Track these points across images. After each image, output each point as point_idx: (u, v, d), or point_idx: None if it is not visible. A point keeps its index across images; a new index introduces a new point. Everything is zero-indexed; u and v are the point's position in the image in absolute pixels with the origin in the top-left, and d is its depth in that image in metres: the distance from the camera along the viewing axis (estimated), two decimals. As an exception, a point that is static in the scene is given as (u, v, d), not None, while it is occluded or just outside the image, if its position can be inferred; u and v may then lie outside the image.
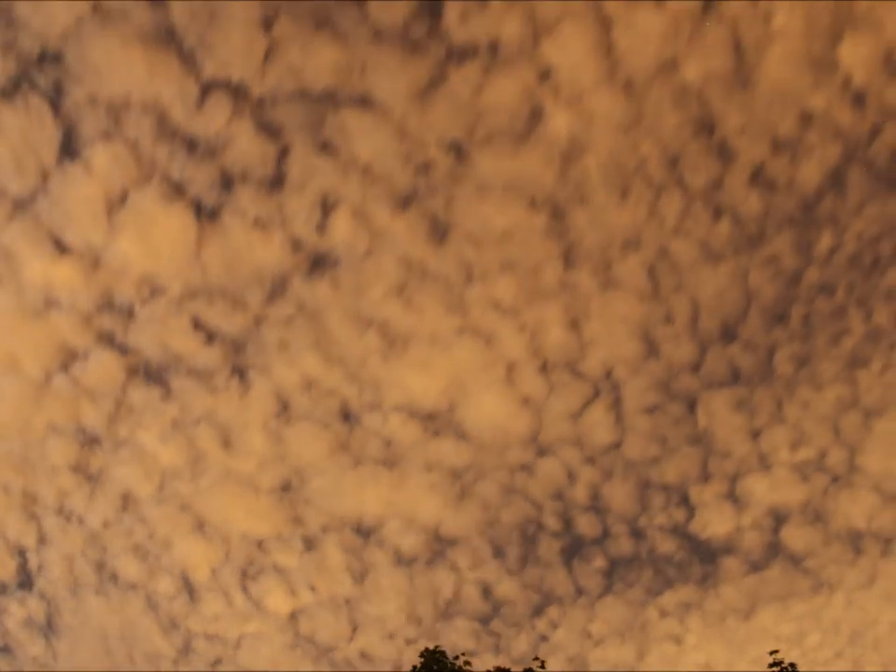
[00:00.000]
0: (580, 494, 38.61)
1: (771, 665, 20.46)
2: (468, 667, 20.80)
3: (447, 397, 37.94)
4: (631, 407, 38.35)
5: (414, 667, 20.74)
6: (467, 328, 37.51)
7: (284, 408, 37.50)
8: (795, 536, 37.64)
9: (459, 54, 35.16)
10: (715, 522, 38.34)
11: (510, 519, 38.56)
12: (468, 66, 35.37)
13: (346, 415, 37.69)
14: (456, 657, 20.81)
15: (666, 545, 38.39)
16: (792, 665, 20.36)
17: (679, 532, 38.18)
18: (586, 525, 38.68)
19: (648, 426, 38.42)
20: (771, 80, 35.53)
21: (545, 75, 35.41)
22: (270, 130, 35.70)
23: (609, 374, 38.09)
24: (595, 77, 35.62)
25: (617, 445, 38.53)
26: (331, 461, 37.89)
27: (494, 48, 35.07)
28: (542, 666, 20.76)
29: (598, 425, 38.54)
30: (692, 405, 38.26)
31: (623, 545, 38.58)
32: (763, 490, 37.77)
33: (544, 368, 38.12)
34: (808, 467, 37.43)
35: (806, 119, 35.71)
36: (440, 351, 37.58)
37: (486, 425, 38.28)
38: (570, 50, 35.29)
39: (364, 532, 37.86)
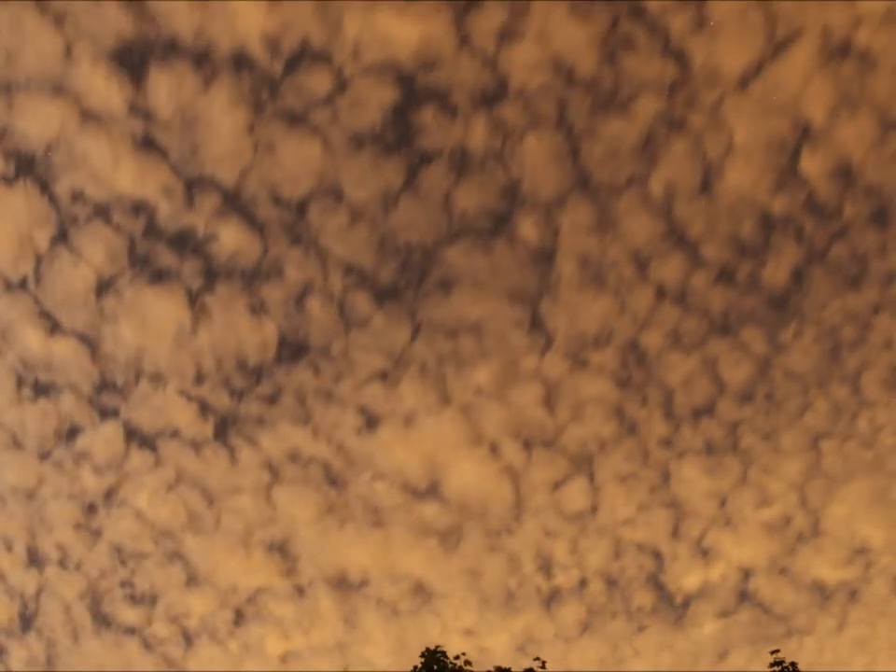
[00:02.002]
0: (558, 549, 39.30)
1: (772, 665, 20.48)
2: (467, 667, 20.60)
3: (429, 471, 39.34)
4: (606, 477, 39.53)
5: (415, 667, 20.51)
6: (447, 408, 39.08)
7: (273, 475, 39.36)
8: (764, 586, 38.31)
9: (430, 158, 37.17)
10: (685, 575, 39.05)
11: (491, 573, 39.04)
12: (437, 169, 37.36)
13: (333, 482, 39.30)
14: (457, 657, 20.63)
15: (639, 595, 38.86)
16: (793, 664, 20.39)
17: (651, 582, 38.75)
18: (563, 577, 39.11)
19: (622, 493, 39.56)
20: (733, 189, 37.67)
21: (513, 181, 37.43)
22: (253, 226, 37.96)
23: (585, 451, 39.44)
24: (562, 186, 37.61)
25: (593, 510, 39.51)
26: (319, 523, 39.22)
27: (463, 153, 37.13)
28: (543, 666, 20.62)
29: (575, 494, 39.64)
30: (665, 475, 39.48)
31: (598, 595, 38.95)
32: (731, 546, 38.75)
33: (526, 445, 39.52)
34: (774, 525, 38.54)
35: (769, 224, 37.85)
36: (420, 429, 39.10)
37: (468, 494, 39.46)
38: (538, 159, 37.37)
39: (352, 585, 38.68)
